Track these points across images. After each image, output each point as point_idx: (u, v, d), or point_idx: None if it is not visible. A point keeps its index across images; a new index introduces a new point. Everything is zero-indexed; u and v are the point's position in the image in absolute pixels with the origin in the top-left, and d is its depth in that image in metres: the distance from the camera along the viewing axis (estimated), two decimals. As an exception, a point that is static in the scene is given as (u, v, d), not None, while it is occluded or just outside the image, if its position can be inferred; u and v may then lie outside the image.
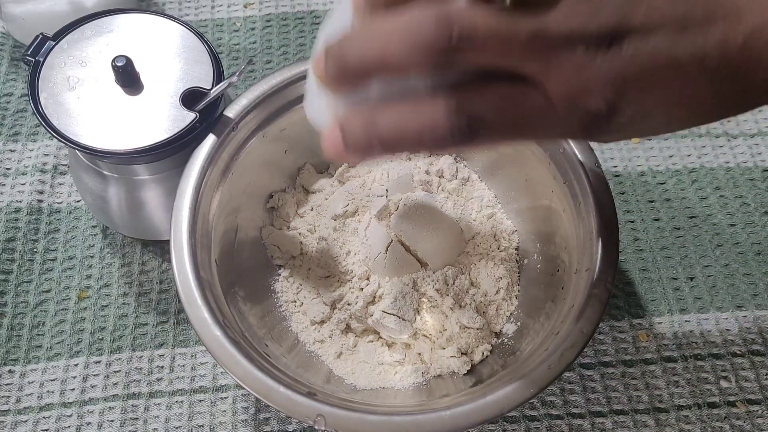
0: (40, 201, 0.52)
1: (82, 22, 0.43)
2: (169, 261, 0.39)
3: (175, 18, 0.44)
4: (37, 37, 0.42)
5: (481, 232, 0.48)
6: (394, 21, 0.26)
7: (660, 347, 0.47)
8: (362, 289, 0.45)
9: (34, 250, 0.50)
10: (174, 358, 0.47)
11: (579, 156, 0.42)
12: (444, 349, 0.44)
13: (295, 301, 0.46)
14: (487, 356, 0.44)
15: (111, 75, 0.41)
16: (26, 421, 0.44)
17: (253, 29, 0.62)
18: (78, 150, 0.40)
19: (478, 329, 0.44)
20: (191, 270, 0.38)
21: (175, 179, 0.41)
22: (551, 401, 0.45)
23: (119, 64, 0.40)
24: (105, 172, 0.44)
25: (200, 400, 0.45)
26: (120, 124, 0.40)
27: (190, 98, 0.41)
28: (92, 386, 0.46)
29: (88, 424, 0.44)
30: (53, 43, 0.42)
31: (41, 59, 0.41)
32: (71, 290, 0.49)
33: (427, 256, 0.46)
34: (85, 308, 0.48)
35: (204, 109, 0.41)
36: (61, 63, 0.41)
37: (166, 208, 0.45)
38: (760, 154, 0.55)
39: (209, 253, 0.41)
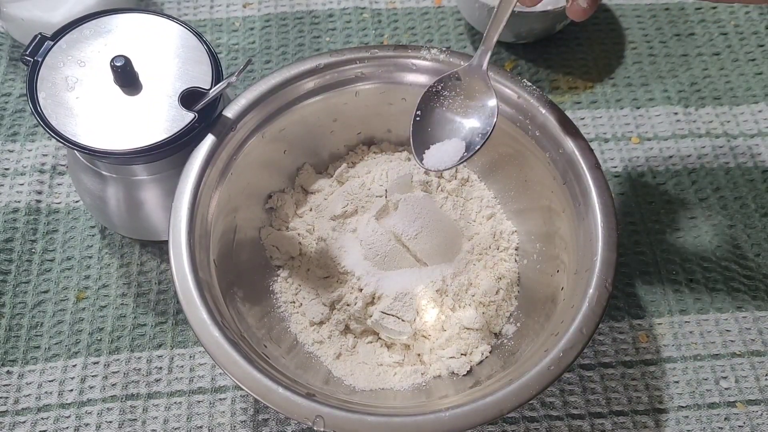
0: (38, 201, 0.52)
1: (81, 22, 0.43)
2: (168, 261, 0.39)
3: (173, 18, 0.44)
4: (36, 36, 0.42)
5: (481, 233, 0.48)
6: None
7: (660, 348, 0.47)
8: (361, 289, 0.45)
9: (33, 250, 0.50)
10: (173, 358, 0.47)
11: (579, 156, 0.42)
12: (443, 349, 0.44)
13: (294, 302, 0.46)
14: (486, 357, 0.44)
15: (110, 75, 0.41)
16: (24, 422, 0.44)
17: (252, 29, 0.61)
18: (76, 150, 0.40)
19: (477, 330, 0.44)
20: (190, 270, 0.38)
21: (173, 179, 0.41)
22: (551, 402, 0.45)
23: (118, 64, 0.40)
24: (104, 173, 0.44)
25: (199, 401, 0.45)
26: (118, 124, 0.40)
27: (188, 98, 0.41)
28: (90, 387, 0.45)
29: (87, 425, 0.44)
30: (52, 42, 0.42)
31: (40, 59, 0.41)
32: (69, 291, 0.49)
33: (427, 257, 0.46)
34: (84, 309, 0.48)
35: (203, 109, 0.41)
36: (59, 63, 0.41)
37: (165, 209, 0.45)
38: (759, 154, 0.55)
39: (208, 253, 0.41)
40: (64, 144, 0.39)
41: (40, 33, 0.42)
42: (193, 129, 0.41)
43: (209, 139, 0.42)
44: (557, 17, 0.56)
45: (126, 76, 0.41)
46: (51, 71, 0.41)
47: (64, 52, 0.42)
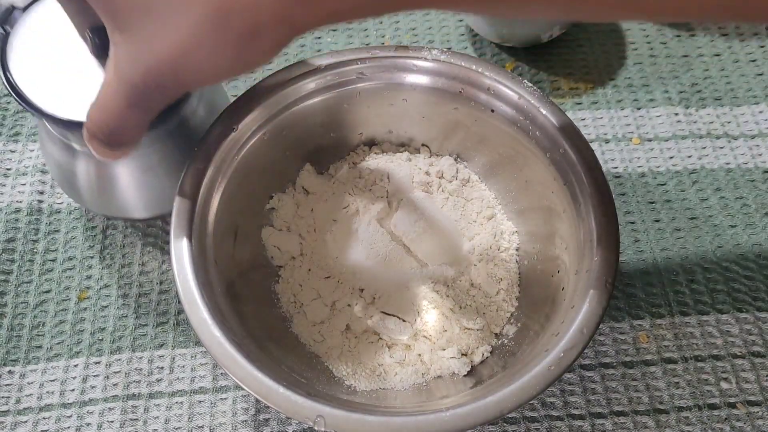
0: (40, 201, 0.52)
1: None
2: (169, 262, 0.39)
3: None
4: (7, 8, 0.41)
5: (482, 233, 0.48)
6: None
7: (660, 348, 0.47)
8: (362, 289, 0.45)
9: (34, 250, 0.50)
10: (174, 358, 0.47)
11: (579, 157, 0.42)
12: (444, 350, 0.44)
13: (294, 302, 0.46)
14: (487, 357, 0.44)
15: (85, 46, 0.40)
16: (26, 421, 0.44)
17: (253, 30, 0.61)
18: (47, 120, 0.39)
19: (478, 330, 0.44)
20: (191, 271, 0.38)
21: (147, 157, 0.41)
22: (551, 402, 0.45)
23: (94, 35, 0.39)
24: (75, 146, 0.43)
25: (200, 401, 0.45)
26: (93, 95, 0.39)
27: None
28: (92, 387, 0.46)
29: (88, 424, 0.44)
30: (23, 13, 0.41)
31: (9, 28, 0.40)
32: (71, 291, 0.49)
33: (427, 257, 0.46)
34: (85, 309, 0.48)
35: None
36: (32, 33, 0.40)
37: (138, 186, 0.44)
38: (760, 155, 0.55)
39: (209, 254, 0.41)
40: (35, 114, 0.38)
41: (11, 4, 0.41)
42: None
43: (211, 139, 0.42)
44: (539, 25, 0.56)
45: (102, 47, 0.39)
46: (23, 42, 0.40)
47: (37, 22, 0.40)
